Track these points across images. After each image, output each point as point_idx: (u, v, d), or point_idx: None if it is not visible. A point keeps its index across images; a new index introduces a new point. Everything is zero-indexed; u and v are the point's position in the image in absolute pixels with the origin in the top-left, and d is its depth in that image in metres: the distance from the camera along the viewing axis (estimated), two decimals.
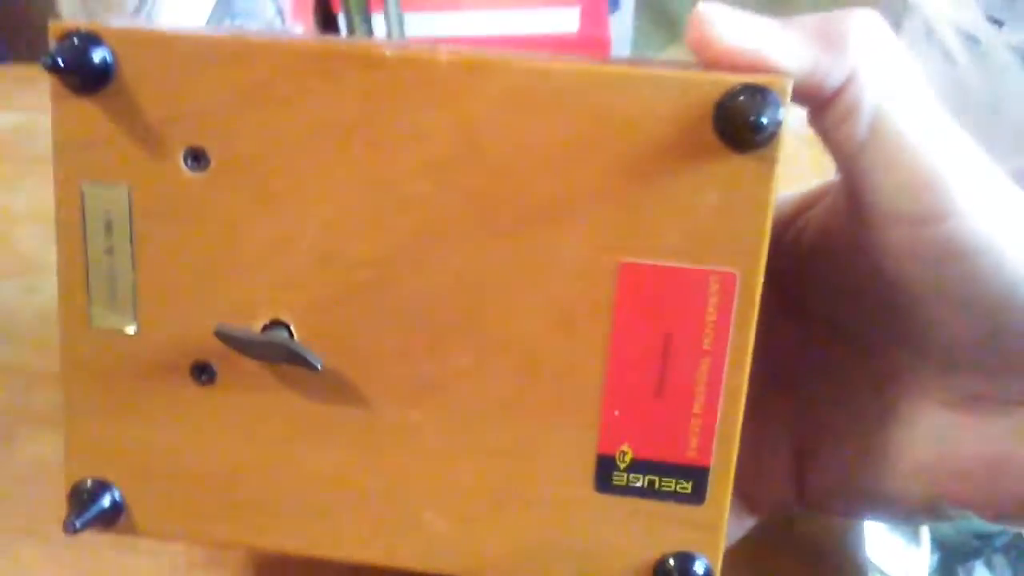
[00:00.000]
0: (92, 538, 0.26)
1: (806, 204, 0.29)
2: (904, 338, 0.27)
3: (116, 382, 0.26)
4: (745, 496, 0.30)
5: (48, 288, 0.39)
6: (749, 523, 0.31)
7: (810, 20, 0.24)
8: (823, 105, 0.24)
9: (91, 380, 0.26)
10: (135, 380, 0.26)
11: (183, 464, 0.26)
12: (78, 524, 0.26)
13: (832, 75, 0.23)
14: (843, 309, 0.28)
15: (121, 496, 0.27)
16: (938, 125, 0.24)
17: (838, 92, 0.24)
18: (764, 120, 0.21)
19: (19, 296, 0.39)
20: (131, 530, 0.27)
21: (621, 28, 1.29)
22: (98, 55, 0.23)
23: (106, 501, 0.26)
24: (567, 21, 1.08)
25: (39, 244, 0.41)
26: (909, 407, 0.27)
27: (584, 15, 1.08)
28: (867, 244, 0.25)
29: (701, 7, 0.24)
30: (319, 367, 0.24)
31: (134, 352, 0.26)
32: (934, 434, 0.27)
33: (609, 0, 1.14)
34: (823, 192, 0.28)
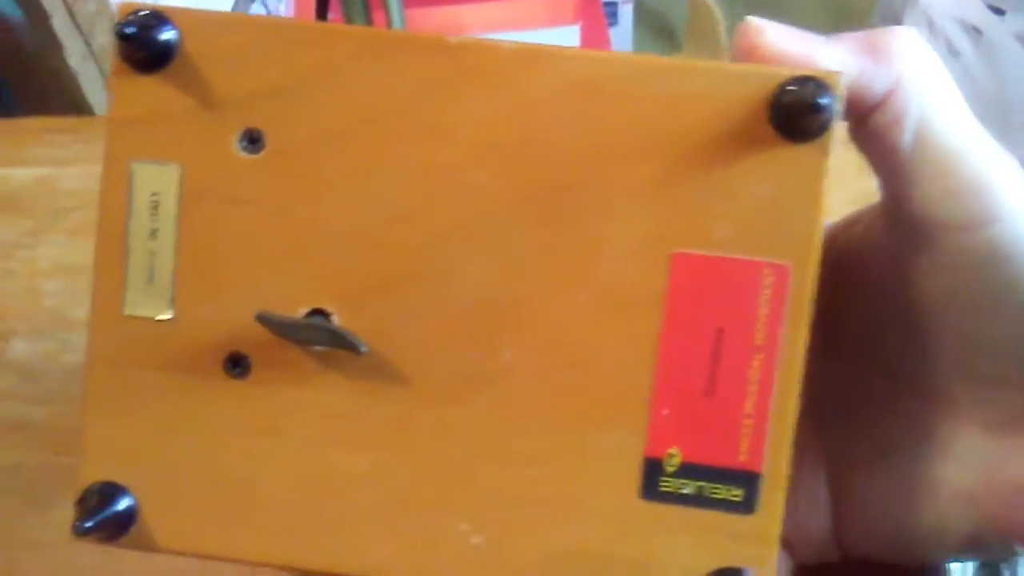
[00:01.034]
0: None
1: (840, 229, 0.29)
2: (942, 359, 0.27)
3: (143, 376, 0.25)
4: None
5: (78, 344, 0.38)
6: (784, 569, 0.29)
7: (853, 34, 0.25)
8: (868, 112, 0.25)
9: (117, 374, 0.25)
10: (164, 373, 0.25)
11: (206, 468, 0.25)
12: (89, 524, 0.24)
13: (878, 81, 0.24)
14: (879, 334, 0.28)
15: (136, 503, 0.25)
16: (977, 131, 0.25)
17: (884, 99, 0.24)
18: (823, 102, 0.22)
19: (49, 354, 0.38)
20: (143, 542, 0.25)
21: (621, 42, 1.32)
22: (165, 33, 0.24)
23: (120, 505, 0.25)
24: (568, 38, 1.11)
25: (66, 299, 0.41)
26: (950, 432, 0.27)
27: (584, 32, 1.11)
28: (909, 261, 0.26)
29: (749, 19, 0.25)
30: (363, 350, 0.24)
31: (166, 342, 0.25)
32: (977, 458, 0.27)
33: (608, 15, 1.18)
34: (855, 220, 0.29)
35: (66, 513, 0.24)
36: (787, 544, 0.29)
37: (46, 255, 0.43)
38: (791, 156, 0.23)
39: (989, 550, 0.27)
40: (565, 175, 0.24)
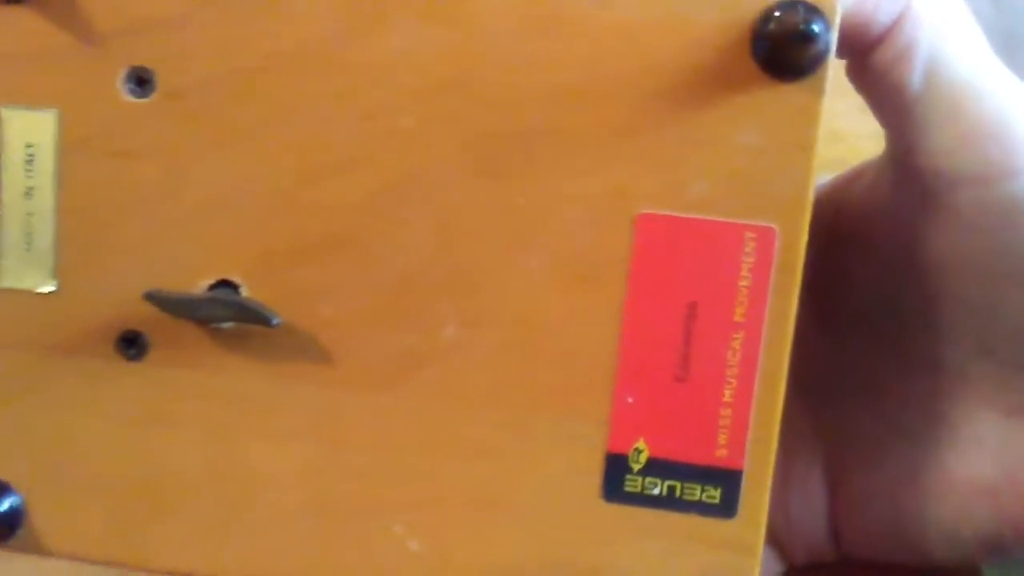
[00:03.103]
0: None
1: (837, 190, 0.25)
2: (958, 335, 0.23)
3: (24, 357, 0.21)
4: (769, 531, 0.26)
5: None
6: (774, 570, 0.26)
7: None
8: (870, 47, 0.21)
9: None
10: (48, 355, 0.21)
11: (100, 463, 0.22)
12: None
13: (883, 8, 0.20)
14: (885, 306, 0.24)
15: (22, 502, 0.22)
16: (997, 68, 0.21)
17: (889, 30, 0.21)
18: (815, 30, 0.18)
19: None
20: (31, 545, 0.22)
21: None
22: None
23: (2, 504, 0.21)
24: None
25: None
26: (964, 418, 0.23)
27: None
28: (919, 221, 0.22)
29: None
30: (275, 322, 0.20)
31: (50, 318, 0.21)
32: (996, 449, 0.23)
33: None
34: (857, 173, 0.25)
35: None
36: (777, 544, 0.26)
37: None
38: (778, 97, 0.19)
39: (1008, 552, 0.24)
40: (512, 121, 0.20)
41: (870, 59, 0.21)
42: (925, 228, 0.22)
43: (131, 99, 0.21)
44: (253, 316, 0.20)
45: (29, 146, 0.21)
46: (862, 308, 0.25)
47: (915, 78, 0.21)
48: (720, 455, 0.20)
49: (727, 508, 0.21)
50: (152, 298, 0.20)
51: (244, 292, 0.21)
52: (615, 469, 0.21)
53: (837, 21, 0.19)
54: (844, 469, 0.25)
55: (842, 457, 0.25)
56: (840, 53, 0.21)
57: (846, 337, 0.25)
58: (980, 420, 0.23)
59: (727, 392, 0.20)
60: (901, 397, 0.25)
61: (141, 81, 0.21)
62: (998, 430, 0.23)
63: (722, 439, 0.20)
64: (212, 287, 0.21)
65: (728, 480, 0.20)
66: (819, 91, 0.19)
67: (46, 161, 0.21)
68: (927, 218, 0.22)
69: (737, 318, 0.20)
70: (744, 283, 0.20)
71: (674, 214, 0.20)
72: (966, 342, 0.23)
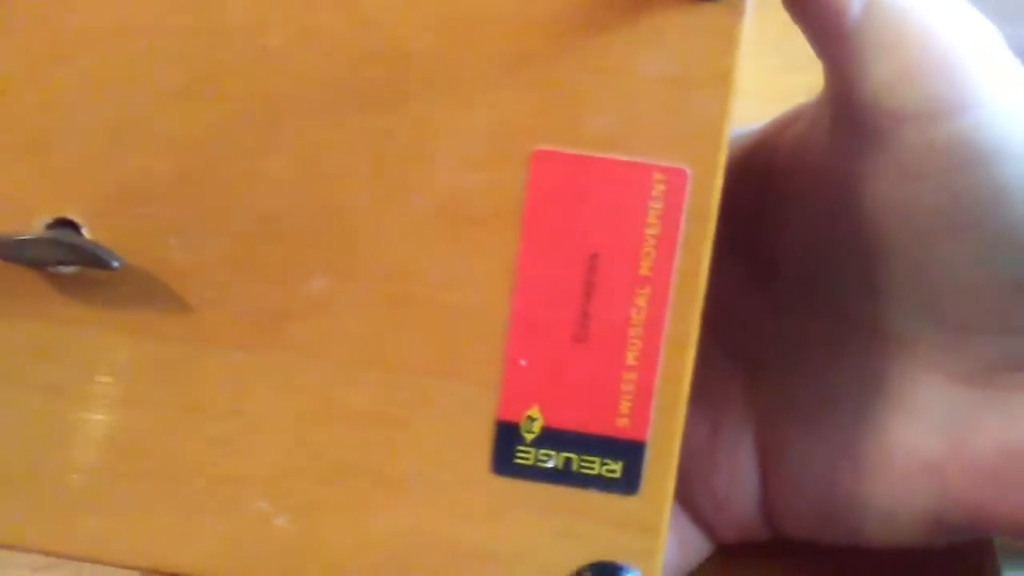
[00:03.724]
0: None
1: (771, 132, 0.23)
2: (899, 293, 0.21)
3: None
4: (695, 511, 0.23)
5: None
6: (702, 550, 0.24)
7: None
8: None
9: None
10: None
11: None
12: None
13: None
14: (822, 262, 0.22)
15: None
16: None
17: None
18: None
19: None
20: None
21: None
22: None
23: None
24: None
25: None
26: (909, 384, 0.21)
27: None
28: (859, 166, 0.20)
29: None
30: (115, 265, 0.18)
31: None
32: (942, 418, 0.21)
33: None
34: (795, 115, 0.23)
35: None
36: (705, 525, 0.24)
37: None
38: (691, 18, 0.17)
39: (950, 535, 0.22)
40: (392, 43, 0.18)
41: None
42: (864, 174, 0.20)
43: None
44: (90, 258, 0.18)
45: None
46: (798, 266, 0.23)
47: (855, 4, 0.18)
48: (622, 425, 0.18)
49: (629, 484, 0.18)
50: None
51: (86, 234, 0.18)
52: (505, 439, 0.18)
53: None
54: (777, 441, 0.23)
55: (775, 428, 0.23)
56: None
57: (782, 298, 0.23)
58: (924, 387, 0.21)
59: (630, 355, 0.18)
60: (839, 362, 0.22)
61: None
62: (943, 398, 0.21)
63: (624, 407, 0.18)
64: (50, 227, 0.18)
65: (630, 453, 0.18)
66: (739, 11, 0.17)
67: None
68: (867, 163, 0.20)
69: (643, 271, 0.18)
70: (651, 232, 0.18)
71: (573, 151, 0.17)
72: (908, 301, 0.21)
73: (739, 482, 0.23)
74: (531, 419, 0.18)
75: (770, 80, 0.30)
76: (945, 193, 0.19)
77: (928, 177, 0.19)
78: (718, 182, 0.17)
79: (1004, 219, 0.19)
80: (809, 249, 0.22)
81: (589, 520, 0.19)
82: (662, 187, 0.17)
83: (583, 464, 0.18)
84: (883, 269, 0.21)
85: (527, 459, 0.18)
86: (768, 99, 0.26)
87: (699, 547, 0.24)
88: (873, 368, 0.22)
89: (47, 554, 0.19)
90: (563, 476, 0.18)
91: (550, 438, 0.18)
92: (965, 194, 0.19)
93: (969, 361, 0.21)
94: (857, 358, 0.22)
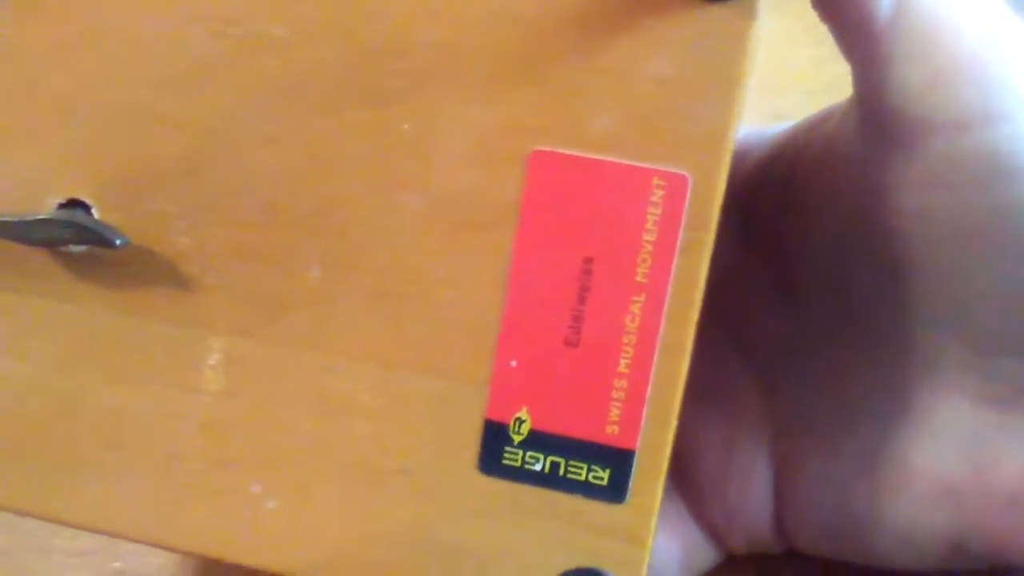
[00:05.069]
0: None
1: (801, 130, 0.22)
2: (927, 306, 0.20)
3: None
4: (705, 518, 0.23)
5: None
6: (708, 558, 0.23)
7: None
8: None
9: None
10: None
11: None
12: None
13: None
14: (847, 269, 0.21)
15: None
16: (979, 1, 0.17)
17: None
18: None
19: None
20: None
21: None
22: None
23: None
24: None
25: None
26: (933, 404, 0.20)
27: None
28: (884, 175, 0.19)
29: None
30: (119, 243, 0.18)
31: None
32: (966, 441, 0.20)
33: None
34: (820, 119, 0.22)
35: None
36: (715, 535, 0.23)
37: None
38: (700, 21, 0.16)
39: (968, 562, 0.21)
40: (398, 37, 0.17)
41: None
42: (892, 181, 0.19)
43: None
44: (95, 237, 0.18)
45: None
46: (824, 275, 0.22)
47: (882, 7, 0.18)
48: (611, 432, 0.18)
49: (616, 492, 0.18)
50: None
51: (96, 214, 0.19)
52: (493, 439, 0.18)
53: None
54: (794, 453, 0.22)
55: (793, 439, 0.22)
56: None
57: (807, 308, 0.22)
58: (948, 408, 0.20)
59: (623, 362, 0.18)
60: (862, 376, 0.22)
61: None
62: (967, 421, 0.20)
63: (614, 414, 0.18)
64: (62, 206, 0.19)
65: (618, 461, 0.18)
66: (750, 14, 0.16)
67: None
68: (894, 171, 0.19)
69: (639, 278, 0.17)
70: (648, 238, 0.17)
71: (572, 153, 0.17)
72: (934, 316, 0.20)
73: (752, 492, 0.23)
74: (520, 421, 0.18)
75: (817, 70, 0.29)
76: (972, 206, 0.18)
77: (955, 188, 0.18)
78: (720, 190, 0.17)
79: None
80: (834, 254, 0.21)
81: (574, 525, 0.18)
82: (661, 193, 0.17)
83: (570, 469, 0.18)
84: (908, 280, 0.20)
85: (514, 460, 0.18)
86: (816, 91, 0.25)
87: (705, 554, 0.23)
88: (896, 385, 0.21)
89: (46, 519, 0.20)
90: (549, 480, 0.18)
91: (538, 441, 0.18)
92: (994, 205, 0.18)
93: (995, 384, 0.20)
94: (880, 373, 0.21)
